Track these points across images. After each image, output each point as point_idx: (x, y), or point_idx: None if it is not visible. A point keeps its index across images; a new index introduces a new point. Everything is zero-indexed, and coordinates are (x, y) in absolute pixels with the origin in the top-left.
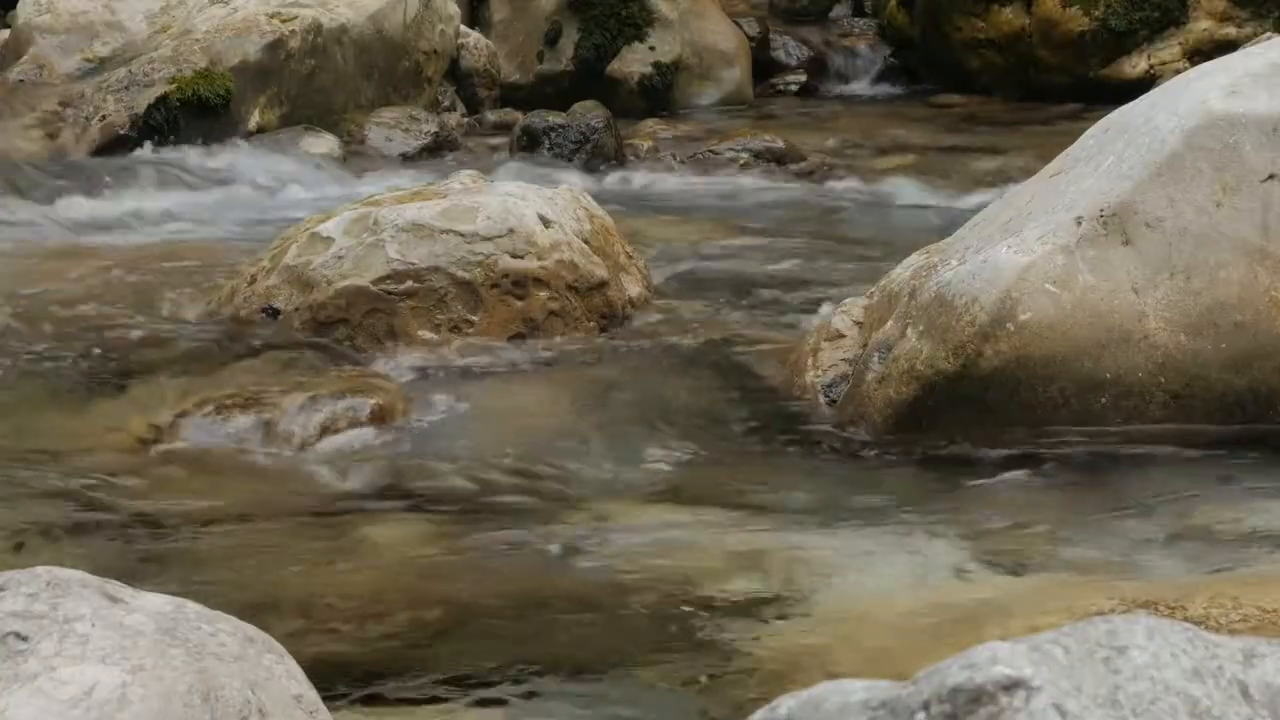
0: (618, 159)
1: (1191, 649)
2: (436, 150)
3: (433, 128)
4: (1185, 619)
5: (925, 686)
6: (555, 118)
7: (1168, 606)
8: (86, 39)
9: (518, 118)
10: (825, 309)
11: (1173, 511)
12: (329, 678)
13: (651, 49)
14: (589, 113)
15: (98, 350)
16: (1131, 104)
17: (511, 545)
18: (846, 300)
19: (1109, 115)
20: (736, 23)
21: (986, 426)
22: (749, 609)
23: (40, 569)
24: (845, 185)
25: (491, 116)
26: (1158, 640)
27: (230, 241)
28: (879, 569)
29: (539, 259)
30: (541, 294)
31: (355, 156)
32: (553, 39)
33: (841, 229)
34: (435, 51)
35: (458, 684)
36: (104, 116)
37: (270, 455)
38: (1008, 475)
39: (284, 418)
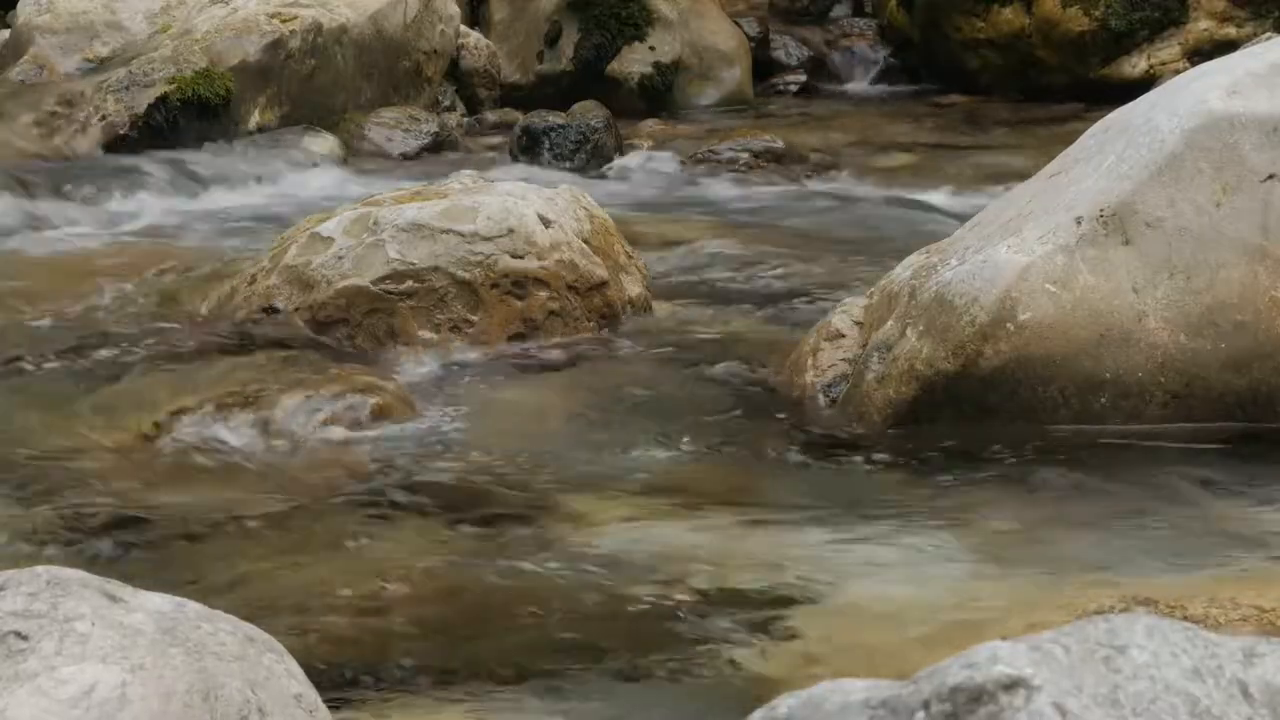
0: (618, 159)
1: (1191, 648)
2: (436, 150)
3: (433, 128)
4: (1185, 618)
5: (925, 686)
6: (555, 118)
7: (1168, 606)
8: (86, 39)
9: (518, 118)
10: (825, 309)
11: (1172, 511)
12: (329, 677)
13: (651, 49)
14: (589, 113)
15: (97, 349)
16: (1131, 104)
17: (511, 544)
18: (846, 300)
19: (1109, 115)
20: (736, 23)
21: (986, 426)
22: (749, 608)
23: (40, 568)
24: (845, 185)
25: (491, 116)
26: (1158, 639)
27: (230, 241)
28: (879, 568)
29: (539, 259)
30: (541, 294)
31: (355, 156)
32: (553, 39)
33: (841, 229)
34: (435, 51)
35: (458, 683)
36: (104, 116)
37: (270, 454)
38: (1007, 475)
39: (284, 416)
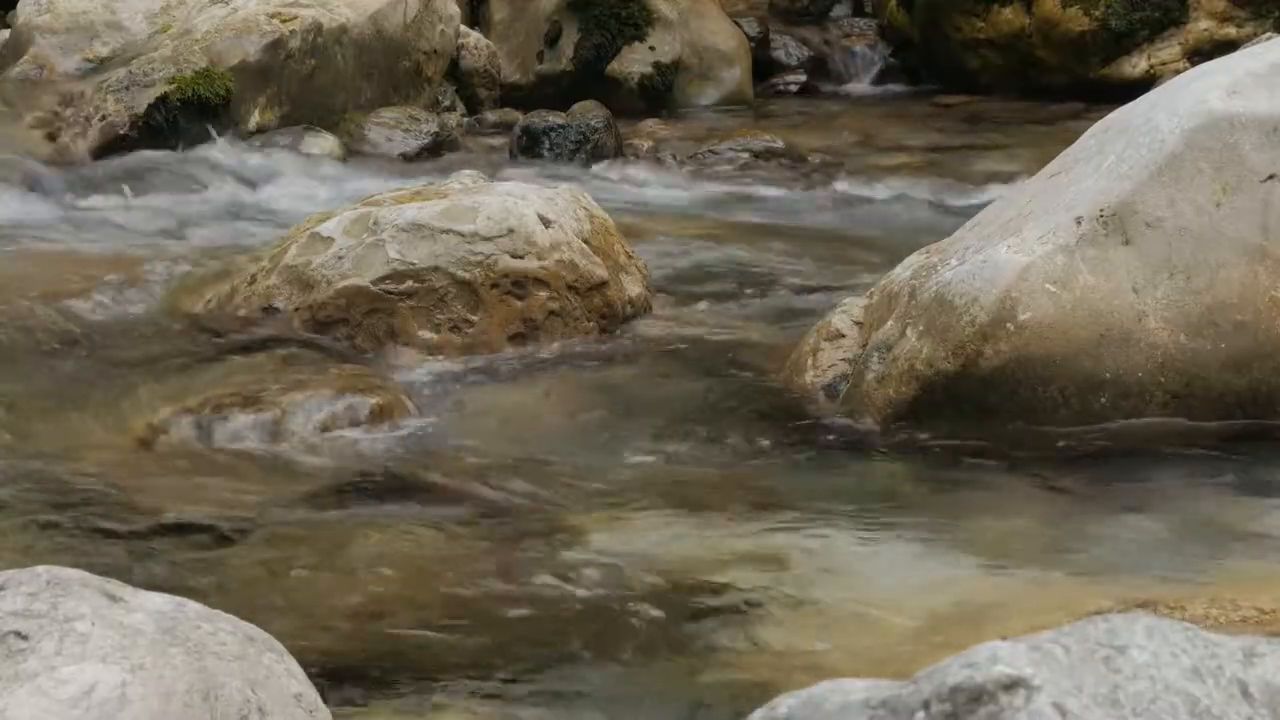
0: (618, 159)
1: (1191, 648)
2: (436, 150)
3: (433, 128)
4: (1185, 619)
5: (925, 686)
6: (555, 118)
7: (1168, 606)
8: (86, 39)
9: (518, 118)
10: (825, 309)
11: (1172, 511)
12: (329, 677)
13: (651, 49)
14: (589, 113)
15: (97, 349)
16: (1131, 104)
17: (511, 544)
18: (846, 300)
19: (1109, 115)
20: (736, 23)
21: (986, 426)
22: (749, 608)
23: (40, 568)
24: (845, 185)
25: (491, 116)
26: (1157, 639)
27: (230, 241)
28: (879, 569)
29: (539, 259)
30: (541, 294)
31: (355, 156)
32: (553, 39)
33: (841, 229)
34: (435, 51)
35: (458, 684)
36: (104, 116)
37: (270, 454)
38: (1007, 475)
39: (284, 417)
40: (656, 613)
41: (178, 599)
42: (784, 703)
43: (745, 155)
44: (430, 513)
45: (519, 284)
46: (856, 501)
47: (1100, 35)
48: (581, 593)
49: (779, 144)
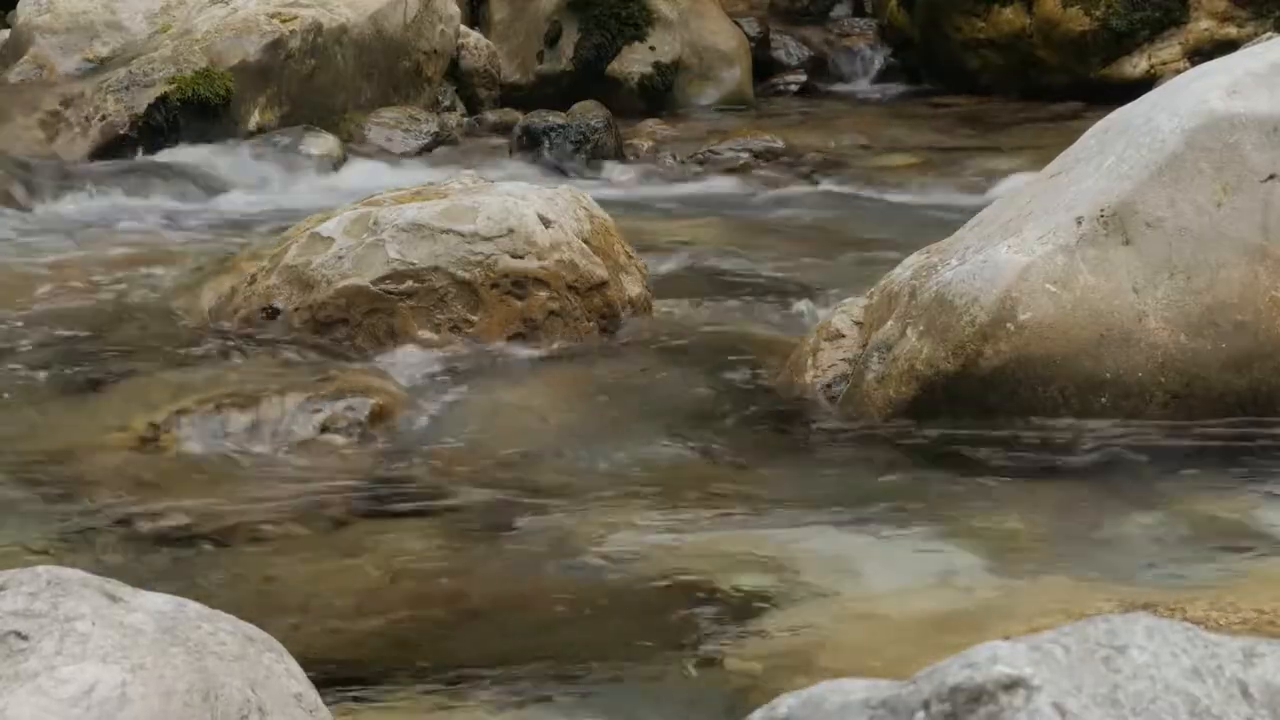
0: (618, 159)
1: (1191, 648)
2: (436, 150)
3: (433, 128)
4: (1185, 619)
5: (925, 685)
6: (555, 118)
7: (1167, 607)
8: (86, 39)
9: (518, 118)
10: (825, 309)
11: (1172, 512)
12: (329, 677)
13: (651, 49)
14: (589, 113)
15: (97, 350)
16: (1132, 104)
17: (511, 545)
18: (846, 300)
19: (1109, 115)
20: (736, 23)
21: (986, 426)
22: (748, 609)
23: (40, 568)
24: (845, 185)
25: (491, 116)
26: (1157, 640)
27: (230, 241)
28: (878, 568)
29: (539, 259)
30: (541, 294)
31: (355, 156)
32: (553, 39)
33: (841, 229)
34: (435, 51)
35: (457, 683)
36: (104, 116)
37: (269, 455)
38: (1007, 475)
39: (284, 417)
40: (656, 612)
41: (178, 599)
42: (784, 703)
43: (745, 155)
44: (430, 512)
45: (519, 284)
46: (856, 501)
47: (1101, 35)
48: (581, 592)
49: (779, 144)
